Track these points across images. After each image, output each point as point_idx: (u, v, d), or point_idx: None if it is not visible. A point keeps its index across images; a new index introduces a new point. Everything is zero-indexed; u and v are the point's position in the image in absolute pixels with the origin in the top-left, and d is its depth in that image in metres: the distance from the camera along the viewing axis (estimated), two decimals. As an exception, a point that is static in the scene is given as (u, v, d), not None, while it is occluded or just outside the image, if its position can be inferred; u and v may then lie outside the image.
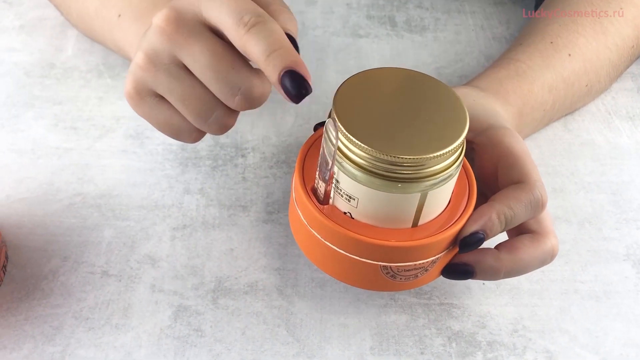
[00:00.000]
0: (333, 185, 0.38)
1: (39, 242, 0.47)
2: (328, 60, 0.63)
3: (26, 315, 0.42)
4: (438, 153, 0.35)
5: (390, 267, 0.38)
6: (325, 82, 0.61)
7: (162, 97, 0.40)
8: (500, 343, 0.42)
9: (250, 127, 0.55)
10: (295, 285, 0.45)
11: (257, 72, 0.38)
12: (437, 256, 0.39)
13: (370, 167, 0.36)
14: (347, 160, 0.36)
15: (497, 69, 0.52)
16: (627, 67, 0.59)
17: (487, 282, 0.45)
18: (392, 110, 0.37)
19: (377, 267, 0.38)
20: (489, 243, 0.40)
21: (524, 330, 0.43)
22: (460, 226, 0.39)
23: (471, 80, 0.52)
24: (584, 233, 0.49)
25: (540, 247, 0.40)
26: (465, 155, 0.40)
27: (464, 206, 0.40)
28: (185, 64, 0.38)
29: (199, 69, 0.38)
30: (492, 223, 0.39)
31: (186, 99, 0.39)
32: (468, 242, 0.39)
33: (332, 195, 0.39)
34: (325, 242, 0.39)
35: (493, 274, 0.40)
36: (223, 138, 0.54)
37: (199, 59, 0.37)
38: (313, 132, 0.43)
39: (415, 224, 0.38)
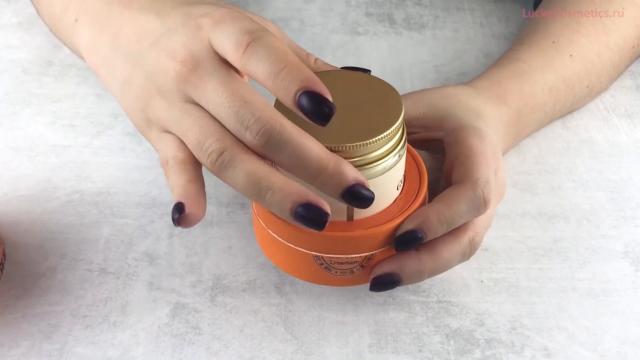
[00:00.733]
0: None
1: (37, 240, 0.47)
2: (326, 58, 0.63)
3: (24, 313, 0.42)
4: (363, 142, 0.36)
5: (323, 257, 0.39)
6: (324, 79, 0.61)
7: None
8: (498, 341, 0.42)
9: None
10: (294, 283, 0.45)
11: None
12: (371, 252, 0.39)
13: None
14: None
15: (498, 68, 0.52)
16: (628, 66, 0.59)
17: (485, 280, 0.45)
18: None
19: (311, 257, 0.39)
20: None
21: (522, 328, 0.43)
22: (396, 224, 0.39)
23: (473, 79, 0.52)
24: (582, 231, 0.49)
25: (458, 242, 0.40)
26: (436, 154, 0.41)
27: (409, 205, 0.40)
28: (200, 104, 0.37)
29: (213, 107, 0.36)
30: (429, 222, 0.38)
31: (195, 135, 0.37)
32: (403, 240, 0.39)
33: None
34: (267, 228, 0.40)
35: (417, 277, 0.40)
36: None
37: (211, 97, 0.36)
38: None
39: (350, 216, 0.38)
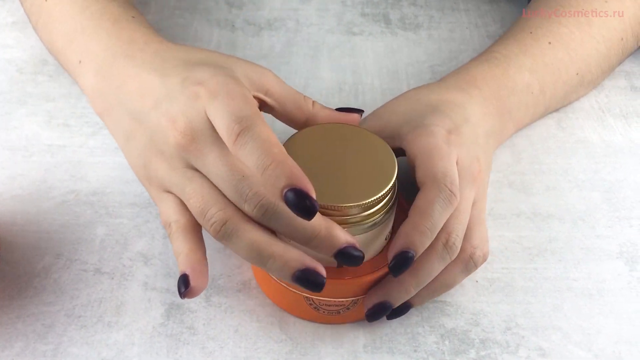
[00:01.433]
0: None
1: (32, 240, 0.46)
2: (322, 58, 0.63)
3: (18, 313, 0.42)
4: (356, 203, 0.37)
5: (313, 299, 0.41)
6: (320, 79, 0.61)
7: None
8: (493, 341, 0.42)
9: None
10: (289, 283, 0.45)
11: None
12: (357, 297, 0.41)
13: None
14: None
15: (470, 61, 0.53)
16: (620, 60, 0.59)
17: (480, 280, 0.45)
18: (326, 164, 0.40)
19: (302, 297, 0.41)
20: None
21: (517, 328, 0.43)
22: (382, 273, 0.41)
23: (443, 77, 0.52)
24: (577, 231, 0.49)
25: (432, 249, 0.40)
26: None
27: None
28: (201, 172, 0.39)
29: (213, 178, 0.38)
30: (413, 238, 0.39)
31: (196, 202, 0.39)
32: (396, 265, 0.39)
33: None
34: None
35: (405, 295, 0.41)
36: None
37: (211, 169, 0.38)
38: None
39: (340, 264, 0.40)
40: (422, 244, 0.39)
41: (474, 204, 0.42)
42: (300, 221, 0.36)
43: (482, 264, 0.42)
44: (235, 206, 0.38)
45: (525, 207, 0.50)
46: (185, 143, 0.39)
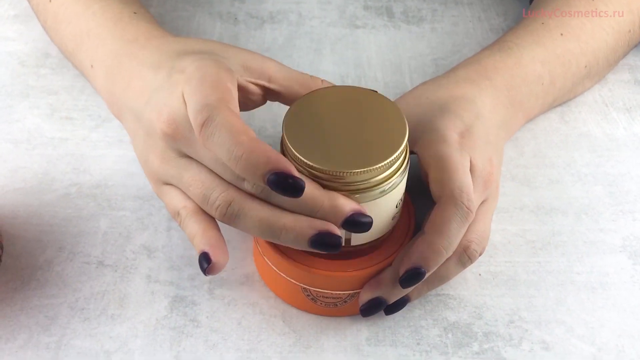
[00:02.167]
0: None
1: (34, 232, 0.46)
2: (325, 51, 0.63)
3: (21, 306, 0.42)
4: (366, 168, 0.36)
5: (310, 290, 0.41)
6: (322, 72, 0.60)
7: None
8: (496, 334, 0.42)
9: (247, 117, 0.55)
10: (292, 276, 0.45)
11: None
12: (354, 291, 0.41)
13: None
14: None
15: (482, 50, 0.52)
16: (625, 53, 0.59)
17: (483, 273, 0.45)
18: (333, 128, 0.38)
19: (299, 287, 0.41)
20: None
21: (520, 321, 0.43)
22: (379, 268, 0.40)
23: (452, 68, 0.51)
24: (580, 224, 0.49)
25: (419, 245, 0.40)
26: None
27: (397, 247, 0.41)
28: (195, 159, 0.39)
29: (207, 162, 0.38)
30: (427, 258, 0.39)
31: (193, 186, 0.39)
32: (407, 278, 0.39)
33: None
34: (263, 255, 0.42)
35: (401, 291, 0.41)
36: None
37: (203, 154, 0.38)
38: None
39: (347, 241, 0.40)
40: (435, 263, 0.39)
41: (482, 202, 0.42)
42: (317, 196, 0.36)
43: (477, 258, 0.42)
44: (236, 186, 0.37)
45: (529, 201, 0.50)
46: (172, 132, 0.38)
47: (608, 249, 0.47)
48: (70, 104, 0.56)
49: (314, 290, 0.41)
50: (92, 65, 0.49)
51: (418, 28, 0.66)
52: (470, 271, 0.45)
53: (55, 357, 0.40)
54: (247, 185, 0.37)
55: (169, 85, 0.39)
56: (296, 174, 0.34)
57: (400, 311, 0.43)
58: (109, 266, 0.45)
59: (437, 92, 0.47)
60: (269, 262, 0.42)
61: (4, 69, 0.59)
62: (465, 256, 0.41)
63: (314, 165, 0.36)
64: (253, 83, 0.42)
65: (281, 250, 0.40)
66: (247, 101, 0.43)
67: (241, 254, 0.46)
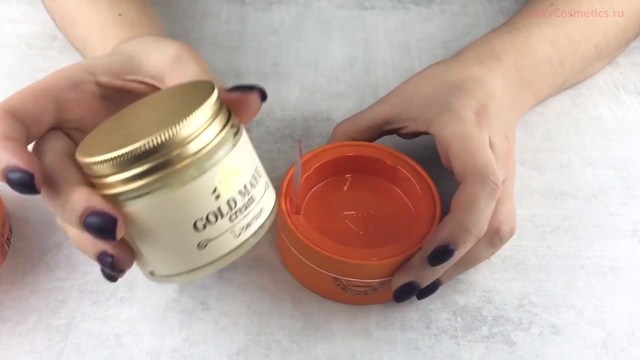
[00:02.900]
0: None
1: (43, 215, 0.46)
2: (333, 34, 0.62)
3: (31, 289, 0.42)
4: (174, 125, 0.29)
5: (341, 279, 0.40)
6: (331, 55, 0.60)
7: None
8: (505, 318, 0.42)
9: (255, 100, 0.55)
10: (301, 260, 0.45)
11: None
12: (384, 279, 0.40)
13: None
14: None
15: (491, 32, 0.52)
16: (637, 34, 0.58)
17: (493, 257, 0.45)
18: (125, 122, 0.33)
19: (329, 277, 0.41)
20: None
21: (529, 306, 0.43)
22: (409, 255, 0.40)
23: (461, 49, 0.51)
24: (591, 209, 0.48)
25: (447, 223, 0.39)
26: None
27: (425, 233, 0.41)
28: None
29: None
30: (456, 236, 0.38)
31: None
32: (436, 258, 0.38)
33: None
34: (291, 247, 0.42)
35: (435, 274, 0.40)
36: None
37: None
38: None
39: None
40: (463, 240, 0.38)
41: (503, 181, 0.42)
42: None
43: (508, 239, 0.41)
44: None
45: (538, 185, 0.50)
46: None
47: (618, 233, 0.47)
48: (77, 86, 0.56)
49: (345, 280, 0.40)
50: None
51: (427, 10, 0.65)
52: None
53: (65, 340, 0.40)
54: None
55: None
56: (28, 169, 0.30)
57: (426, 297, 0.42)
58: (118, 249, 0.45)
59: (448, 73, 0.46)
60: (297, 253, 0.41)
61: (11, 51, 0.59)
62: (496, 238, 0.41)
63: (83, 160, 0.31)
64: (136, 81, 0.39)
65: (310, 240, 0.40)
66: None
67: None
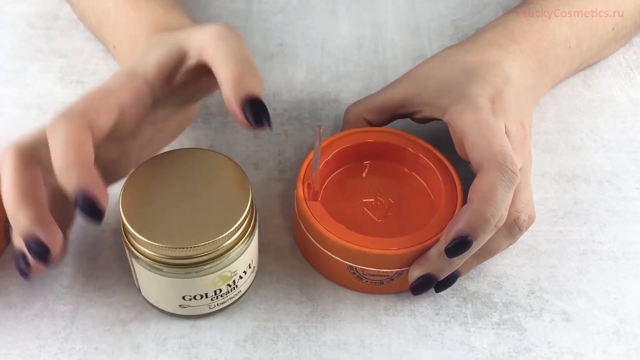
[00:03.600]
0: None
1: (48, 199, 0.46)
2: (340, 13, 0.61)
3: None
4: (212, 240, 0.35)
5: (356, 268, 0.40)
6: (339, 35, 0.59)
7: None
8: (516, 304, 0.41)
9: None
10: (308, 245, 0.44)
11: None
12: (401, 269, 0.40)
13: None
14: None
15: (507, 13, 0.51)
16: None
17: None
18: (172, 198, 0.37)
19: (344, 265, 0.40)
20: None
21: (541, 292, 0.42)
22: (426, 246, 0.39)
23: (478, 30, 0.50)
24: (603, 192, 0.47)
25: (465, 213, 0.38)
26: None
27: (445, 223, 0.40)
28: None
29: None
30: (474, 226, 0.37)
31: None
32: (454, 249, 0.38)
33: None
34: (307, 233, 0.41)
35: (452, 266, 0.39)
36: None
37: None
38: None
39: None
40: (481, 231, 0.37)
41: (520, 169, 0.41)
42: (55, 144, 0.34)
43: (527, 228, 0.41)
44: None
45: (550, 168, 0.49)
46: None
47: (632, 218, 0.46)
48: (80, 67, 0.55)
49: (360, 268, 0.40)
50: (114, 46, 0.48)
51: (436, -12, 0.64)
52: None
53: (71, 326, 0.40)
54: None
55: None
56: (103, 205, 0.33)
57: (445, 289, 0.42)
58: (123, 234, 0.44)
59: (464, 57, 0.45)
60: (313, 239, 0.41)
61: (12, 30, 0.58)
62: (515, 227, 0.40)
63: (150, 242, 0.35)
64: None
65: (327, 227, 0.39)
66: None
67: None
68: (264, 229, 0.45)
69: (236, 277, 0.38)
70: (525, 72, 0.46)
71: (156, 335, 0.39)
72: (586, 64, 0.54)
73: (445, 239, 0.38)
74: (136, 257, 0.37)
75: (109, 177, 0.40)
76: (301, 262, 0.43)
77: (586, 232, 0.45)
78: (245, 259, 0.38)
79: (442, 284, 0.40)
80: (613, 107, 0.53)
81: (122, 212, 0.36)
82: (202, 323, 0.40)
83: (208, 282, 0.37)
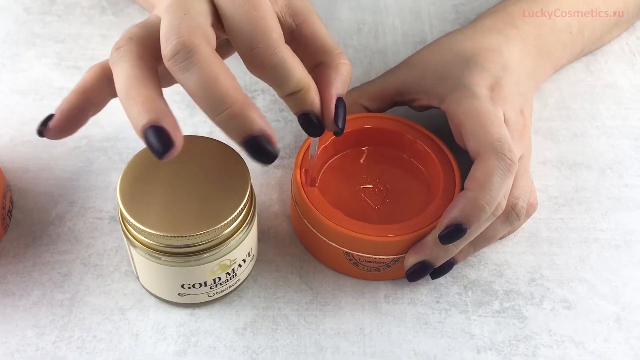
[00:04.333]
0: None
1: (45, 187, 0.45)
2: (340, -3, 0.60)
3: (34, 262, 0.42)
4: (212, 228, 0.35)
5: (352, 254, 0.40)
6: (337, 20, 0.58)
7: None
8: (517, 292, 0.41)
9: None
10: (308, 232, 0.44)
11: None
12: (398, 256, 0.40)
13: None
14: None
15: None
16: None
17: (504, 230, 0.44)
18: (170, 187, 0.36)
19: (341, 252, 0.40)
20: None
21: (542, 280, 0.42)
22: (423, 233, 0.39)
23: (478, 16, 0.49)
24: (605, 180, 0.47)
25: (460, 200, 0.37)
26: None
27: (443, 210, 0.39)
28: None
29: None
30: (469, 214, 0.37)
31: None
32: (448, 234, 0.37)
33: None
34: (304, 219, 0.41)
35: (448, 253, 0.39)
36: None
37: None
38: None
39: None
40: (476, 218, 0.37)
41: (519, 157, 0.41)
42: (211, 82, 0.30)
43: (528, 216, 0.40)
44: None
45: (551, 155, 0.49)
46: None
47: (633, 205, 0.46)
48: (77, 52, 0.54)
49: (357, 255, 0.40)
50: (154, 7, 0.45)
51: (437, -28, 0.63)
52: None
53: (69, 314, 0.39)
54: (163, 48, 0.31)
55: None
56: (276, 143, 0.31)
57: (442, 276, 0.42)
58: (121, 221, 0.44)
59: (463, 43, 0.45)
60: (310, 225, 0.40)
61: (8, 15, 0.57)
62: (513, 214, 0.40)
63: (148, 230, 0.34)
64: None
65: (324, 213, 0.39)
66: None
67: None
68: (264, 216, 0.44)
69: (235, 266, 0.38)
70: (526, 58, 0.45)
71: (155, 323, 0.39)
72: (588, 50, 0.54)
73: (440, 226, 0.38)
74: (134, 246, 0.36)
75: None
76: (301, 250, 0.43)
77: (587, 220, 0.45)
78: (244, 247, 0.38)
79: (438, 271, 0.40)
80: (615, 94, 0.53)
81: (120, 200, 0.35)
82: (201, 311, 0.40)
83: (207, 270, 0.37)
